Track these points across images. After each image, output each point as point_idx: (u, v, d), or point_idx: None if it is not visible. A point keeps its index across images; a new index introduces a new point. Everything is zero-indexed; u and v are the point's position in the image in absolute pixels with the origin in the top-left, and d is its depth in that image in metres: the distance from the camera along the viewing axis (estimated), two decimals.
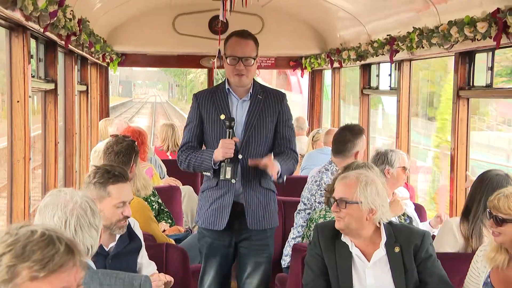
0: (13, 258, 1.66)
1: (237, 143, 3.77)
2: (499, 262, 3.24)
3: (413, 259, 3.34)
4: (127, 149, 4.38)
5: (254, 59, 3.87)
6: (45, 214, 2.57)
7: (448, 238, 3.97)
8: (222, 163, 3.74)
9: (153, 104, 51.84)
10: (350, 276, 3.33)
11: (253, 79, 3.98)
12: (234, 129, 3.79)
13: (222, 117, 3.83)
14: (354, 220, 3.31)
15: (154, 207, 5.09)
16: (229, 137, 3.74)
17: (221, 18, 7.27)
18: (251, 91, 3.92)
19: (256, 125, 3.89)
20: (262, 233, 3.97)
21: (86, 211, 2.58)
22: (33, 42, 4.51)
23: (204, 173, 3.95)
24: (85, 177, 3.41)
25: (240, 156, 3.84)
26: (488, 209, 3.24)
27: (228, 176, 3.74)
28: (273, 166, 3.72)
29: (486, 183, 3.88)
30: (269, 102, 3.94)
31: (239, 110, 3.92)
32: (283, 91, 4.44)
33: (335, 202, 3.32)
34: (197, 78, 48.46)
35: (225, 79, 3.98)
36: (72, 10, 4.59)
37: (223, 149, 3.70)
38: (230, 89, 3.92)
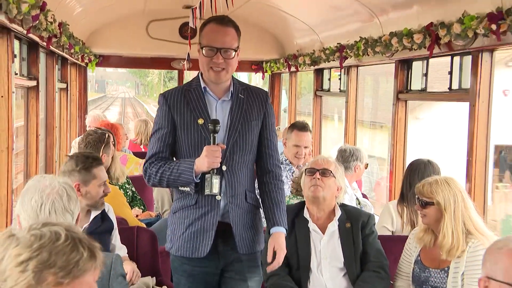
0: (39, 264, 1.55)
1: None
2: (426, 241, 3.36)
3: (360, 234, 3.52)
4: (94, 141, 4.49)
5: (236, 50, 2.89)
6: (25, 197, 2.57)
7: (387, 217, 4.17)
8: (207, 175, 2.82)
9: (122, 99, 55.24)
10: (309, 247, 3.48)
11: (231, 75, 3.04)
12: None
13: (200, 121, 2.89)
14: (330, 191, 3.54)
15: (128, 194, 5.13)
16: (213, 143, 2.82)
17: (190, 25, 7.29)
18: (231, 89, 2.97)
19: (241, 130, 2.94)
20: (252, 255, 3.06)
21: (62, 197, 2.56)
22: (16, 43, 4.48)
23: (182, 188, 2.95)
24: (64, 166, 3.39)
25: (224, 168, 2.90)
26: (416, 195, 3.37)
27: (215, 190, 2.83)
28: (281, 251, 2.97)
29: (414, 171, 4.07)
30: (252, 102, 3.00)
31: (219, 112, 2.95)
32: None
33: (317, 172, 3.51)
34: (153, 80, 54.31)
35: (198, 75, 3.00)
36: (53, 14, 4.56)
37: (209, 158, 2.76)
38: (207, 88, 2.96)
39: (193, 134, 2.91)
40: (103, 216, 3.46)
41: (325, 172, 3.53)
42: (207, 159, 2.77)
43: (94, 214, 3.40)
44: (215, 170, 2.82)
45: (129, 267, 3.38)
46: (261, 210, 3.13)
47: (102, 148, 4.47)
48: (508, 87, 12.18)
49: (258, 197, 3.12)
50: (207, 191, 2.84)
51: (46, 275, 1.55)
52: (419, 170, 4.04)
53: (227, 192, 2.94)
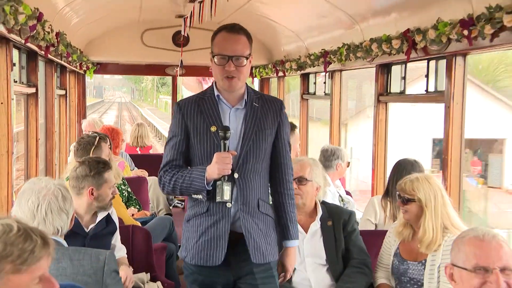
0: None
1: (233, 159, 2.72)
2: (405, 236, 3.37)
3: (342, 231, 3.50)
4: (85, 143, 4.55)
5: (247, 58, 2.74)
6: (22, 198, 2.58)
7: (371, 211, 4.22)
8: (218, 182, 2.67)
9: (119, 103, 57.04)
10: None
11: (246, 83, 2.85)
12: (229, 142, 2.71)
13: (213, 129, 2.73)
14: (309, 196, 3.51)
15: (124, 194, 5.13)
16: (224, 150, 2.67)
17: (183, 33, 7.34)
18: (245, 97, 2.81)
19: (255, 138, 2.77)
20: (266, 265, 2.85)
21: (57, 197, 2.60)
22: (16, 52, 4.45)
23: (194, 196, 2.79)
24: (75, 171, 3.40)
25: (236, 175, 2.73)
26: (397, 192, 3.38)
27: (226, 197, 2.67)
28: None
29: (401, 169, 4.08)
30: (267, 111, 2.83)
31: (233, 120, 2.79)
32: None
33: (293, 181, 3.39)
34: (147, 86, 56.39)
35: (212, 84, 2.86)
36: (50, 25, 4.54)
37: (219, 165, 2.62)
38: (221, 96, 2.80)
39: (206, 142, 2.76)
40: (108, 219, 3.49)
41: (301, 180, 3.48)
42: (217, 165, 2.63)
43: (100, 216, 3.43)
44: (226, 177, 2.66)
45: (123, 272, 3.36)
46: (274, 221, 2.96)
47: (92, 150, 4.51)
48: None
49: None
50: (218, 198, 2.67)
51: (3, 264, 1.57)
52: (406, 168, 4.06)
53: (238, 200, 2.76)
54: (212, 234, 2.75)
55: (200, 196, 2.74)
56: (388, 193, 4.14)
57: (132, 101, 65.78)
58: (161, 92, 59.94)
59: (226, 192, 2.66)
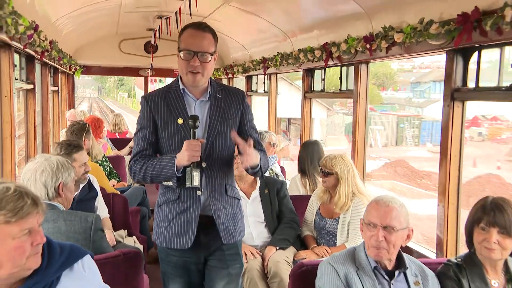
0: None
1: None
2: (324, 199, 3.48)
3: (276, 197, 3.55)
4: (78, 129, 4.46)
5: (212, 55, 2.30)
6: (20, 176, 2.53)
7: (294, 188, 4.22)
8: (188, 169, 2.24)
9: (89, 98, 58.83)
10: None
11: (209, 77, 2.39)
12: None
13: (180, 121, 2.31)
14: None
15: (106, 169, 5.07)
16: (194, 138, 2.23)
17: (153, 42, 7.22)
18: (209, 90, 2.37)
19: (220, 128, 2.34)
20: (233, 244, 2.47)
21: (36, 172, 2.53)
22: (16, 56, 4.27)
23: (165, 183, 2.34)
24: (53, 150, 3.35)
25: (204, 164, 2.32)
26: (320, 167, 3.48)
27: (195, 182, 2.25)
28: (251, 154, 2.25)
29: (309, 149, 4.16)
30: (230, 102, 2.39)
31: (198, 112, 2.35)
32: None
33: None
34: (110, 85, 59.96)
35: (177, 77, 2.40)
36: (45, 34, 4.40)
37: (189, 152, 2.20)
38: (186, 89, 2.36)
39: (173, 133, 2.31)
40: (90, 186, 3.44)
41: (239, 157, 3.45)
42: (187, 152, 2.19)
43: (82, 185, 3.38)
44: (195, 163, 2.24)
45: (107, 236, 3.34)
46: (241, 202, 2.53)
47: (84, 134, 4.43)
48: None
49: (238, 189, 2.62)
50: (187, 184, 2.25)
51: None
52: (313, 148, 4.14)
53: (207, 187, 2.35)
54: (182, 219, 2.35)
55: (170, 183, 2.30)
56: (305, 172, 4.09)
57: (99, 96, 68.43)
58: (120, 90, 64.19)
59: (195, 178, 2.24)
